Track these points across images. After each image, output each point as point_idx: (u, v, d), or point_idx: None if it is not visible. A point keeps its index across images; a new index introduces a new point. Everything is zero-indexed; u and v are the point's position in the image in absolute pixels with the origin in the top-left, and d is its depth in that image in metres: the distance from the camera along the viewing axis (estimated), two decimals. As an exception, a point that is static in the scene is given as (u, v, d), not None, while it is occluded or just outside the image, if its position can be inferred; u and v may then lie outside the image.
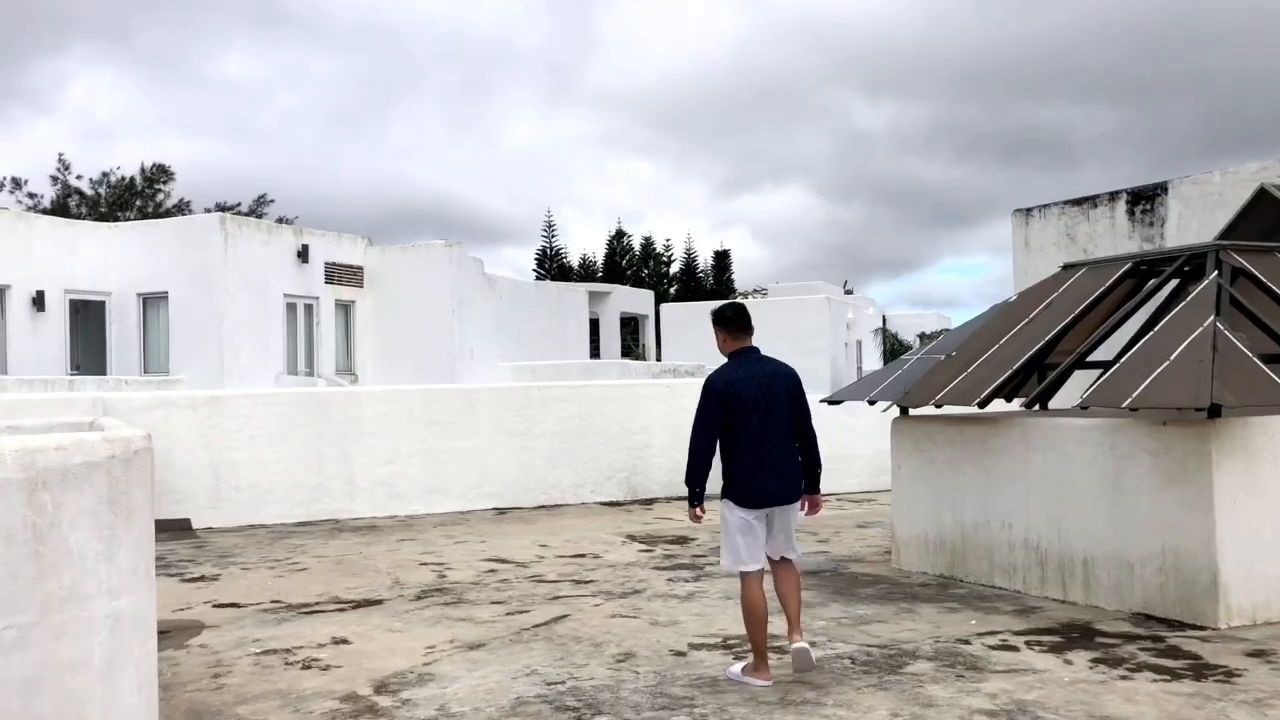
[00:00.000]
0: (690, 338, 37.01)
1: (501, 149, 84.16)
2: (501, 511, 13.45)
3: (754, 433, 5.48)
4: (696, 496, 5.61)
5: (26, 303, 18.11)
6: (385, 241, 22.80)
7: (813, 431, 5.68)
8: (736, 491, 5.54)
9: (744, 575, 5.57)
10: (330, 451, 13.05)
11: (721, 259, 62.36)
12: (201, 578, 8.81)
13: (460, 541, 10.78)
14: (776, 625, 5.93)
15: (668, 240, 63.43)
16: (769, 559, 5.67)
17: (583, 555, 9.79)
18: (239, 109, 69.00)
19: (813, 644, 5.90)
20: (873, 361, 43.01)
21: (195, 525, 12.30)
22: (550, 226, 59.86)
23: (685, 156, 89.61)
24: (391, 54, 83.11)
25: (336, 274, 21.70)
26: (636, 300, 39.45)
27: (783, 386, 5.58)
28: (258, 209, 36.34)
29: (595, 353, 29.46)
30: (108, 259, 19.14)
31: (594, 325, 30.92)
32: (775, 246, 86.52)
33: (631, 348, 39.07)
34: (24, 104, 57.83)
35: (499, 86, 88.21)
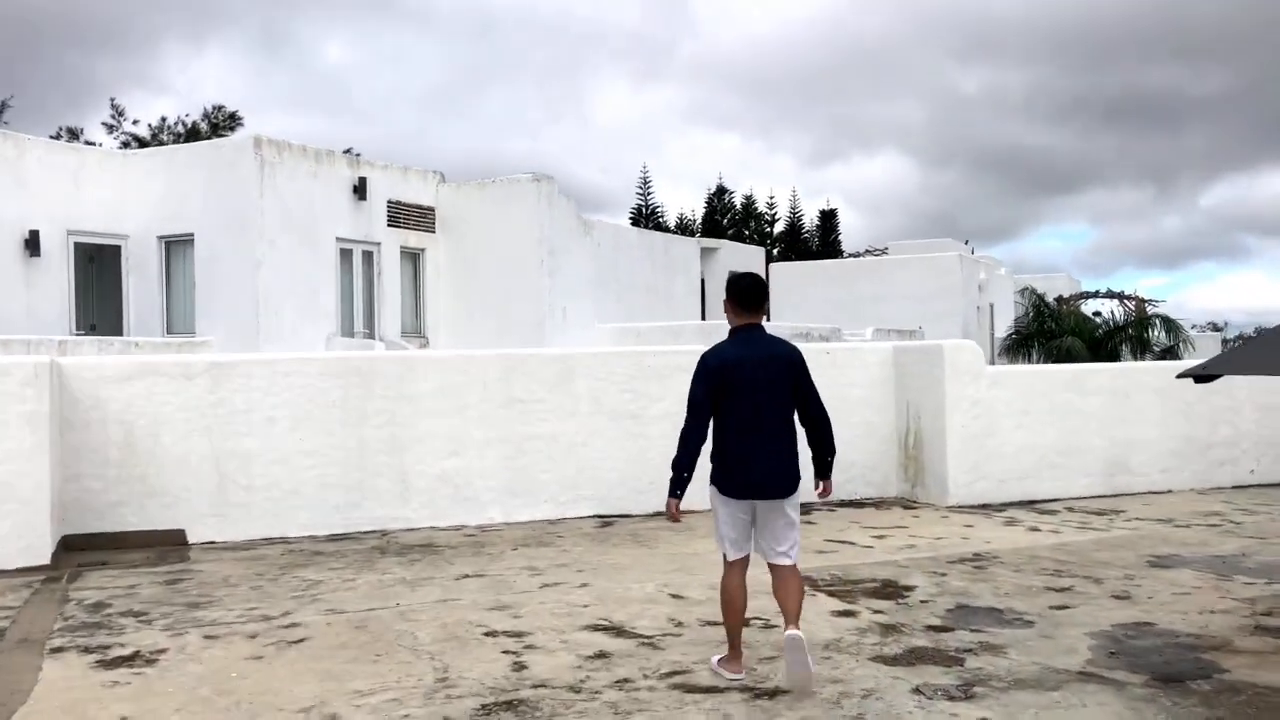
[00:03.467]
0: (802, 301, 33.87)
1: (594, 125, 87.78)
2: (606, 522, 10.19)
3: (743, 418, 5.31)
4: (677, 484, 5.50)
5: (16, 246, 15.33)
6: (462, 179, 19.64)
7: (821, 416, 5.44)
8: (721, 479, 5.42)
9: (726, 562, 5.42)
10: (376, 438, 9.95)
11: (828, 219, 59.74)
12: (130, 659, 5.67)
13: (550, 582, 7.54)
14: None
15: (771, 198, 60.06)
16: (771, 566, 5.34)
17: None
18: (338, 90, 73.71)
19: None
20: (1004, 328, 39.07)
21: (192, 538, 9.34)
22: (646, 183, 56.59)
23: (775, 127, 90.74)
24: (489, 38, 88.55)
25: (402, 215, 18.62)
26: (745, 257, 36.21)
27: (782, 370, 5.34)
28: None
29: (704, 315, 26.07)
30: (124, 195, 16.31)
31: (700, 285, 27.56)
32: (871, 214, 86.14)
33: (740, 310, 35.80)
34: (134, 84, 60.49)
35: (591, 65, 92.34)
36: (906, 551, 8.46)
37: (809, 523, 9.80)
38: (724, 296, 5.54)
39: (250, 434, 9.62)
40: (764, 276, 31.85)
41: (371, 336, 17.88)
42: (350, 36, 79.81)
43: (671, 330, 17.81)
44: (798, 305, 34.62)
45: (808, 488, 5.45)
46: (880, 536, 9.24)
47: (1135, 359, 36.08)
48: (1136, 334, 40.23)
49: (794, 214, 59.85)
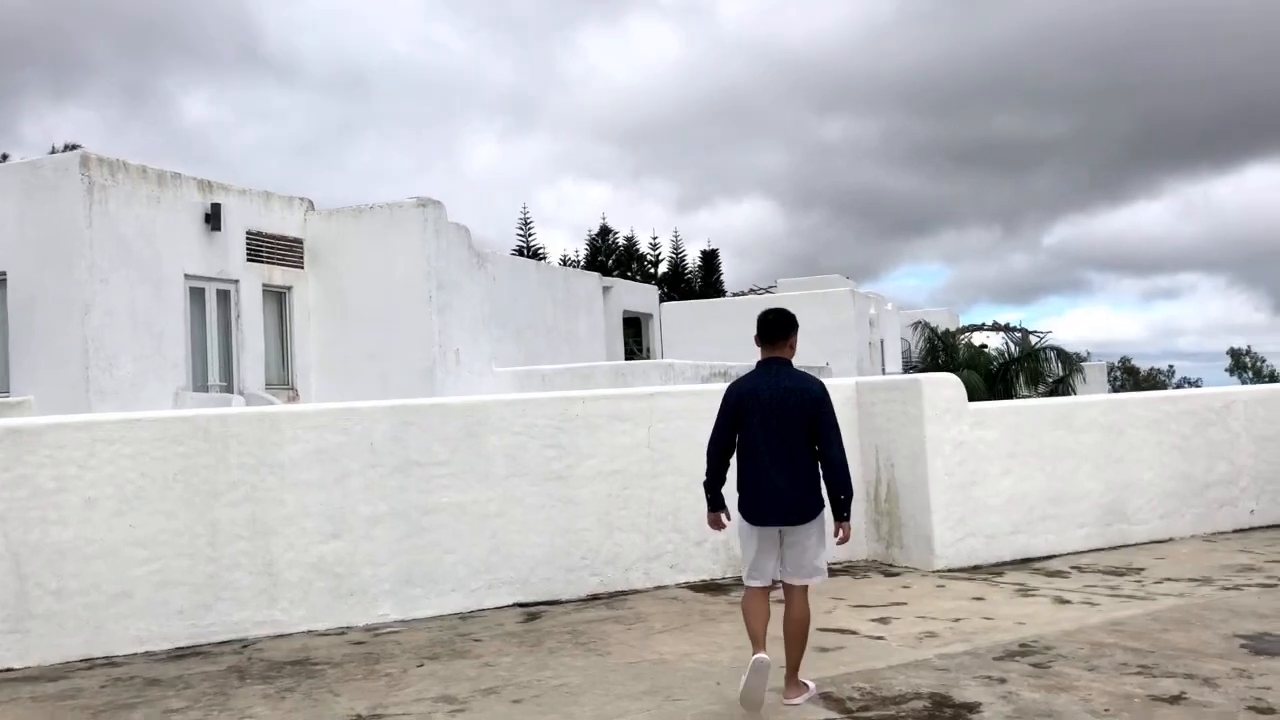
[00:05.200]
0: (696, 340, 32.57)
1: (466, 175, 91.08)
2: (532, 614, 8.17)
3: (757, 448, 5.52)
4: (714, 499, 5.76)
5: None
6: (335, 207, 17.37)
7: (836, 456, 5.53)
8: (742, 505, 5.63)
9: (747, 587, 5.66)
10: (232, 520, 7.77)
11: (710, 259, 58.93)
12: None
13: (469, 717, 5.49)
14: None
15: (654, 238, 59.21)
16: (783, 584, 5.58)
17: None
18: (201, 144, 75.45)
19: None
20: (895, 364, 38.42)
21: (-22, 667, 6.96)
22: (527, 224, 54.63)
23: (643, 175, 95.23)
24: (357, 92, 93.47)
25: (265, 248, 16.29)
26: (640, 297, 34.78)
27: (797, 404, 5.48)
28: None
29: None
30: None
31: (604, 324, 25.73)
32: (739, 257, 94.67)
33: (635, 351, 34.30)
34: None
35: (462, 118, 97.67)
36: (932, 644, 6.66)
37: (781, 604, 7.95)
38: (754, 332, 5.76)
39: (62, 521, 7.32)
40: (650, 315, 30.12)
41: (230, 390, 15.46)
42: (214, 91, 78.46)
43: (581, 373, 15.88)
44: (691, 344, 33.05)
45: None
46: (882, 620, 7.45)
47: (1031, 391, 35.68)
48: (1031, 366, 39.94)
49: (676, 255, 58.97)
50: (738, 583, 9.16)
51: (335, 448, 8.10)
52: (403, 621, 8.04)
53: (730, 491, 5.84)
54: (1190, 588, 8.13)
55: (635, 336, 36.37)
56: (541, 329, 19.53)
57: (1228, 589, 8.01)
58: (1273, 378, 71.30)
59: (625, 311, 32.32)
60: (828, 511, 5.59)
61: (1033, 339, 45.34)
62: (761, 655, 5.28)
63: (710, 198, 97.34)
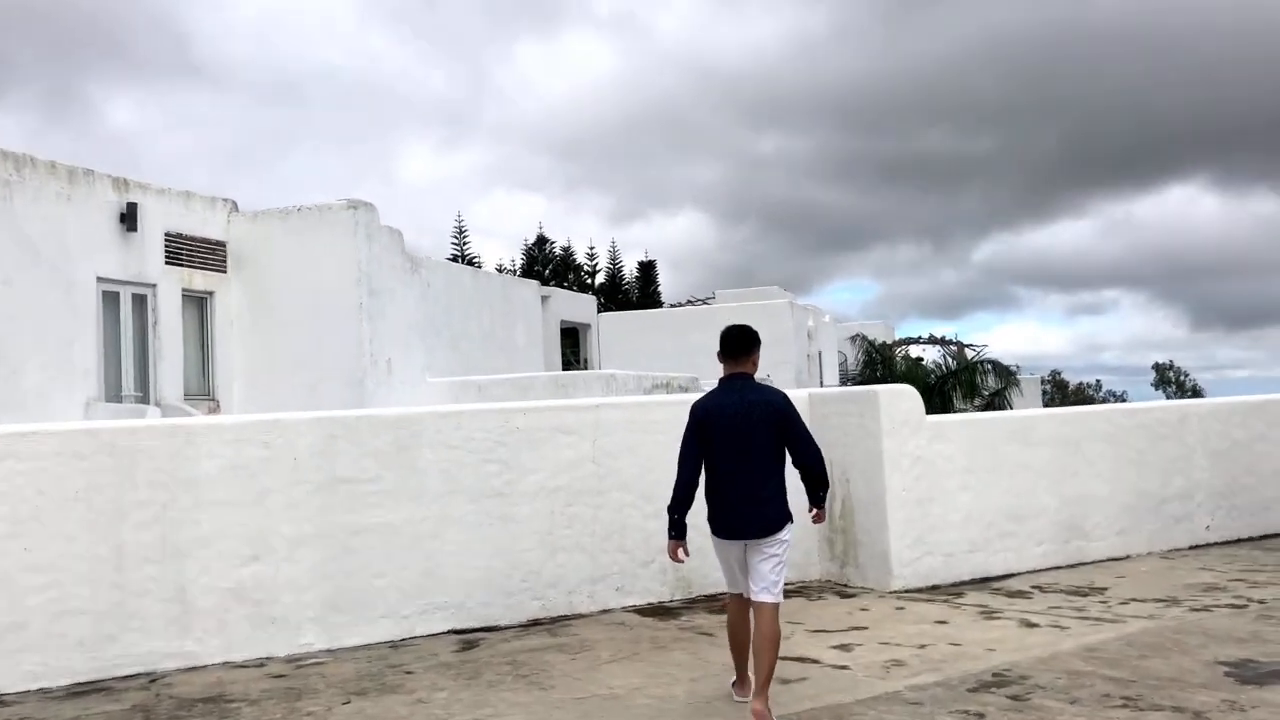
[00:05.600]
0: (634, 351, 32.28)
1: (400, 185, 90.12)
2: (469, 641, 7.62)
3: (724, 462, 5.61)
4: (675, 527, 5.71)
5: None
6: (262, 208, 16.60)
7: (813, 458, 5.66)
8: (711, 519, 5.75)
9: (729, 595, 5.88)
10: (140, 543, 7.14)
11: (647, 270, 58.63)
12: None
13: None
14: None
15: (591, 248, 58.70)
16: (750, 600, 5.66)
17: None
18: (126, 152, 71.91)
19: None
20: (832, 376, 38.45)
21: None
22: (462, 233, 53.71)
23: (578, 187, 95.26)
24: (289, 101, 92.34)
25: (185, 251, 15.49)
26: (578, 307, 34.33)
27: (762, 417, 5.57)
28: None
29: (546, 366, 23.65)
30: None
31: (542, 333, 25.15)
32: (672, 269, 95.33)
33: (573, 362, 33.87)
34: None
35: (396, 128, 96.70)
36: (901, 674, 6.25)
37: (706, 633, 7.50)
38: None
39: (-55, 545, 6.63)
40: (586, 326, 29.67)
41: (146, 400, 14.64)
42: (141, 97, 76.74)
43: (520, 384, 15.31)
44: (630, 355, 32.77)
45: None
46: (844, 647, 7.02)
47: (968, 404, 35.81)
48: (968, 379, 40.16)
49: (614, 265, 58.59)
50: (687, 605, 8.71)
51: (255, 463, 7.49)
52: (328, 651, 7.45)
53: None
54: (1159, 609, 7.83)
55: (573, 347, 35.83)
56: (478, 338, 18.92)
57: (1197, 610, 7.73)
58: (1196, 392, 72.76)
59: (563, 321, 31.82)
60: (791, 527, 5.75)
61: (969, 352, 45.66)
62: (757, 709, 5.28)
63: (645, 211, 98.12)
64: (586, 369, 29.08)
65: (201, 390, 15.77)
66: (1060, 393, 72.23)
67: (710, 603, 8.73)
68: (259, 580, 7.42)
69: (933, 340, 47.55)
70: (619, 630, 7.83)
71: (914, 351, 47.10)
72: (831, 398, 9.84)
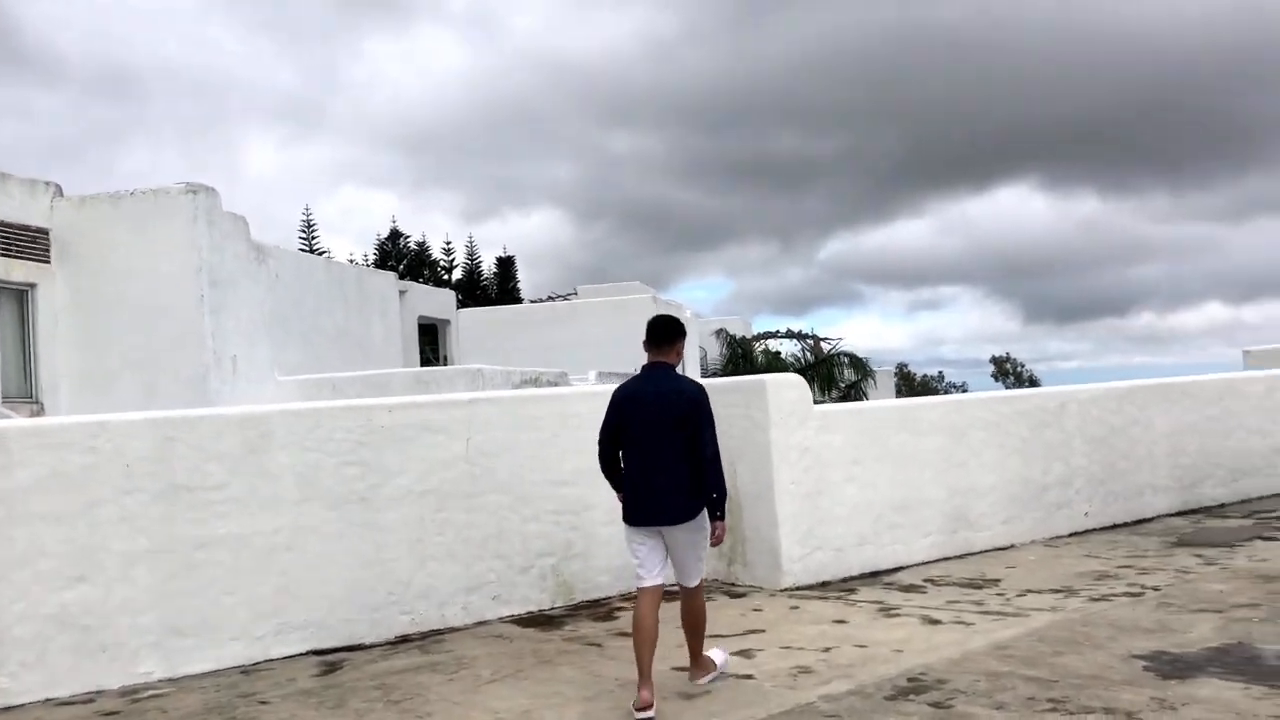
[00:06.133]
0: (495, 348, 31.49)
1: (244, 180, 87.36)
2: (331, 664, 6.88)
3: (636, 449, 5.68)
4: (618, 488, 5.87)
5: None
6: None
7: (708, 456, 5.60)
8: (623, 505, 5.78)
9: (638, 587, 5.72)
10: (-62, 567, 6.15)
11: (506, 266, 57.60)
12: None
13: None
14: None
15: (448, 243, 57.23)
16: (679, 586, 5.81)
17: None
18: None
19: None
20: (694, 370, 38.47)
21: None
22: (310, 226, 51.48)
23: (431, 185, 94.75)
24: (126, 93, 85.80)
25: (1, 239, 14.06)
26: (437, 302, 33.33)
27: (674, 405, 5.63)
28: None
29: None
30: None
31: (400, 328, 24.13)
32: (529, 267, 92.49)
33: (431, 359, 32.84)
34: None
35: (240, 122, 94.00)
36: (810, 683, 5.81)
37: (594, 644, 6.95)
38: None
39: None
40: (443, 319, 28.72)
41: (-42, 403, 13.21)
42: None
43: (378, 382, 14.43)
44: (491, 353, 31.87)
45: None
46: (744, 653, 6.56)
47: (827, 396, 36.21)
48: (825, 372, 40.66)
49: (471, 261, 57.35)
50: (570, 613, 8.13)
51: (80, 471, 6.58)
52: (170, 680, 6.61)
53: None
54: (1058, 600, 7.62)
55: (431, 344, 34.74)
56: (331, 333, 17.88)
57: (1096, 600, 7.54)
58: (1033, 382, 75.89)
59: (421, 318, 30.79)
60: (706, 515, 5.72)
61: (824, 346, 46.30)
62: (646, 714, 5.25)
63: (500, 208, 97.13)
64: (447, 366, 28.17)
65: (23, 392, 14.36)
66: (907, 385, 74.30)
67: (594, 609, 8.17)
68: (86, 604, 6.52)
69: (790, 334, 48.13)
70: (498, 644, 7.20)
71: (773, 345, 47.63)
72: (717, 387, 9.35)
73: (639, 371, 5.90)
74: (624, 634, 7.29)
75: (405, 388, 14.19)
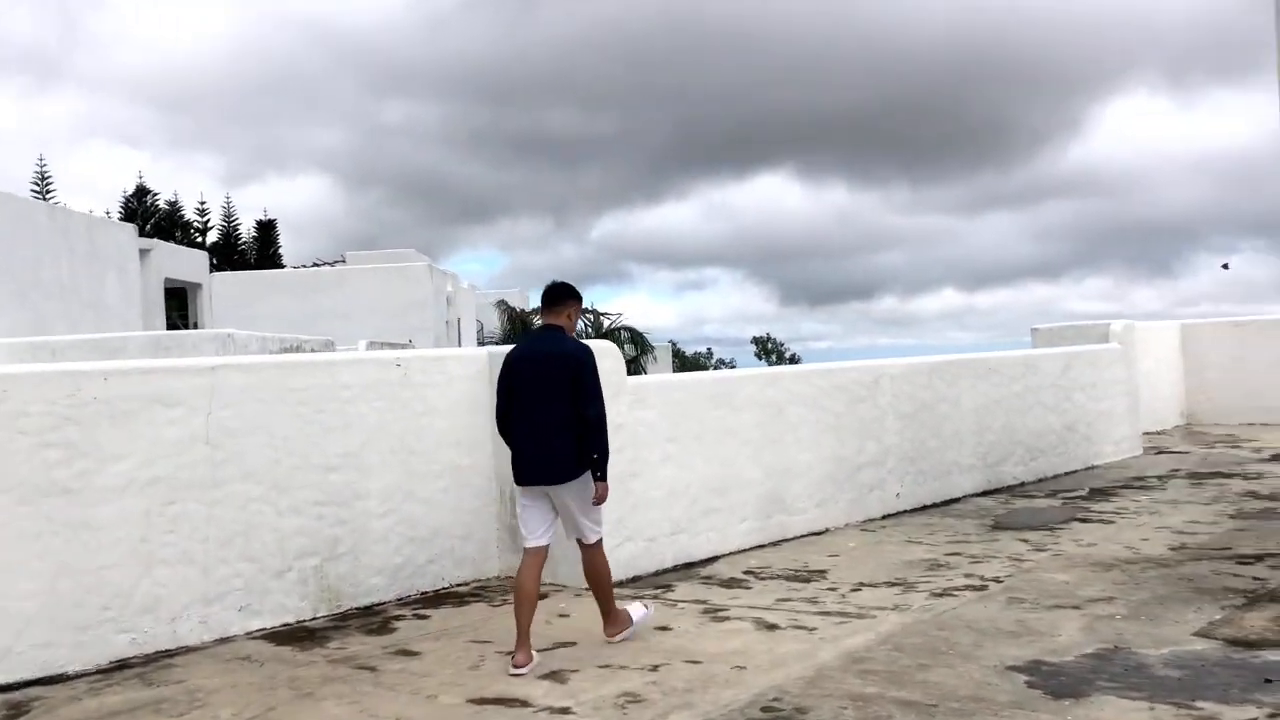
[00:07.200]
0: (254, 315, 29.16)
1: None
2: (17, 706, 5.31)
3: (522, 410, 5.78)
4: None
5: None
6: None
7: (592, 417, 5.67)
8: (512, 465, 5.85)
9: (524, 549, 5.82)
10: None
11: (267, 230, 54.07)
12: None
13: None
14: None
15: (203, 203, 53.05)
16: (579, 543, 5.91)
17: None
18: None
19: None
20: (471, 344, 37.11)
21: None
22: (45, 179, 46.45)
23: (188, 146, 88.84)
24: None
25: None
26: (187, 264, 30.62)
27: (560, 366, 5.72)
28: None
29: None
30: None
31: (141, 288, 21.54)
32: (295, 235, 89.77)
33: (180, 325, 30.05)
34: None
35: None
36: (644, 716, 4.71)
37: (367, 667, 5.66)
38: None
39: None
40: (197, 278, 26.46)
41: None
42: None
43: (108, 347, 12.38)
44: (250, 320, 29.39)
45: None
46: (556, 676, 5.42)
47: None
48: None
49: (229, 224, 53.40)
50: (337, 624, 6.74)
51: None
52: None
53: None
54: (897, 596, 6.83)
55: (181, 309, 31.76)
56: (55, 290, 15.44)
57: (938, 595, 6.79)
58: (794, 360, 78.26)
59: (169, 280, 28.05)
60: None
61: (605, 320, 45.72)
62: (518, 671, 5.42)
63: (263, 173, 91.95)
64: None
65: None
66: (680, 361, 75.13)
67: (366, 618, 6.82)
68: None
69: (568, 308, 47.24)
70: (244, 669, 5.76)
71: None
72: (514, 357, 8.14)
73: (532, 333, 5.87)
74: (405, 652, 6.01)
75: (142, 354, 12.23)
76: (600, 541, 5.92)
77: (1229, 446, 14.27)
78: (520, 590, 5.66)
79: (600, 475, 5.68)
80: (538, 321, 32.57)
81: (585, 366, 5.74)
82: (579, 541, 5.90)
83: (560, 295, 6.01)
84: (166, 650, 6.16)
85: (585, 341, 6.35)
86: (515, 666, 5.42)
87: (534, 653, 5.56)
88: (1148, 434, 14.92)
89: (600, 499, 5.75)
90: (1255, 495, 10.23)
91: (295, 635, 6.48)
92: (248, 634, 6.49)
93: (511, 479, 8.12)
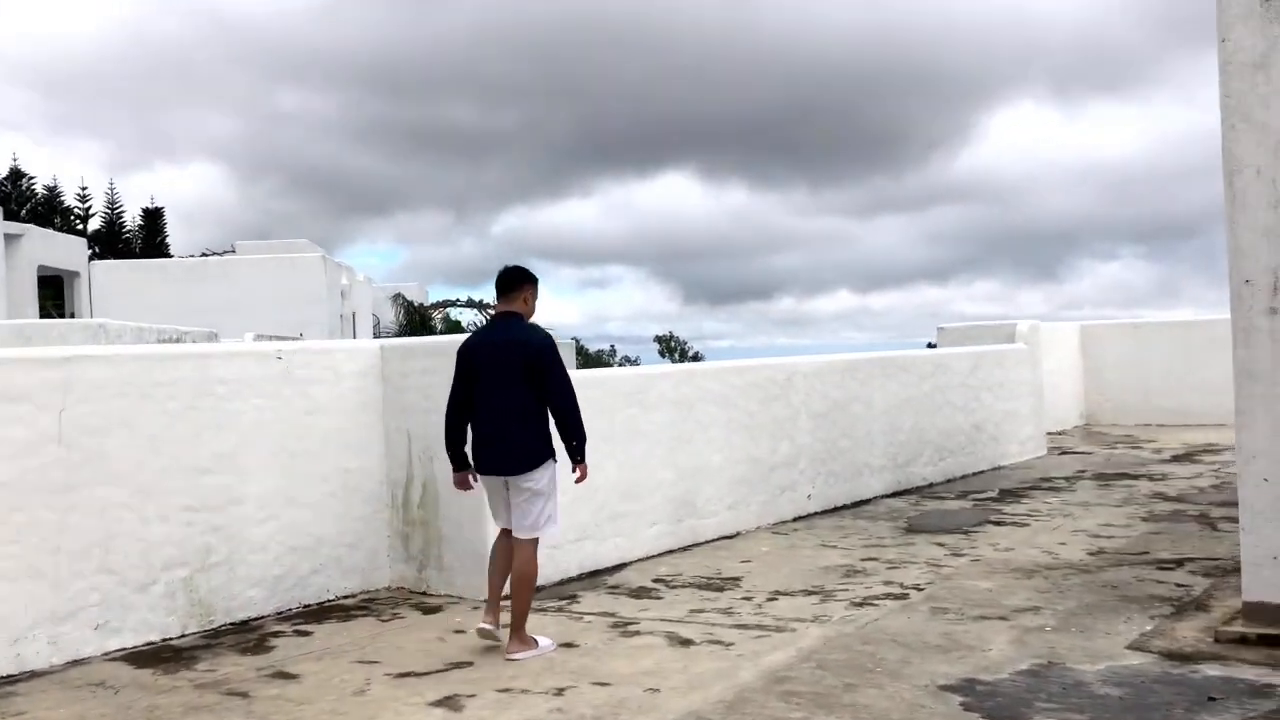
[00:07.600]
0: (135, 306, 27.94)
1: None
2: None
3: (481, 399, 5.70)
4: (453, 460, 5.85)
5: None
6: None
7: (561, 404, 5.65)
8: (471, 454, 5.80)
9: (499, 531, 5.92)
10: None
11: (153, 218, 51.88)
12: None
13: None
14: None
15: (84, 188, 50.52)
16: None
17: None
18: None
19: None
20: (367, 337, 36.11)
21: None
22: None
23: (65, 132, 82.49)
24: None
25: None
26: (64, 251, 29.11)
27: (520, 355, 5.63)
28: None
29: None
30: None
31: None
32: (183, 224, 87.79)
33: (54, 316, 28.49)
34: None
35: None
36: None
37: (238, 693, 5.07)
38: None
39: None
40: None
41: None
42: None
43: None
44: (133, 311, 28.06)
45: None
46: (449, 703, 4.89)
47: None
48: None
49: (112, 210, 51.02)
50: (208, 642, 6.09)
51: None
52: None
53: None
54: (815, 606, 6.46)
55: (56, 299, 30.17)
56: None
57: (858, 605, 6.44)
58: (697, 358, 78.36)
59: (42, 268, 26.58)
60: (551, 466, 5.69)
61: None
62: (481, 626, 5.69)
63: (148, 160, 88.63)
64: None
65: None
66: (584, 359, 74.59)
67: (241, 636, 6.20)
68: None
69: (471, 303, 46.36)
70: (95, 697, 5.12)
71: (453, 314, 45.66)
72: (413, 350, 7.57)
73: (488, 321, 6.02)
74: (283, 674, 5.42)
75: (3, 345, 11.27)
76: (533, 544, 5.69)
77: (1130, 447, 14.33)
78: (494, 559, 5.87)
79: (579, 458, 5.68)
80: (436, 316, 31.76)
81: (548, 353, 5.64)
82: (518, 539, 5.69)
83: (515, 280, 5.83)
84: (8, 676, 5.48)
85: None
86: (482, 623, 5.71)
87: (501, 617, 5.68)
88: (1050, 434, 14.92)
89: (582, 478, 5.79)
90: (1163, 497, 10.17)
91: (159, 656, 5.84)
92: (105, 655, 5.83)
93: (404, 483, 7.70)
